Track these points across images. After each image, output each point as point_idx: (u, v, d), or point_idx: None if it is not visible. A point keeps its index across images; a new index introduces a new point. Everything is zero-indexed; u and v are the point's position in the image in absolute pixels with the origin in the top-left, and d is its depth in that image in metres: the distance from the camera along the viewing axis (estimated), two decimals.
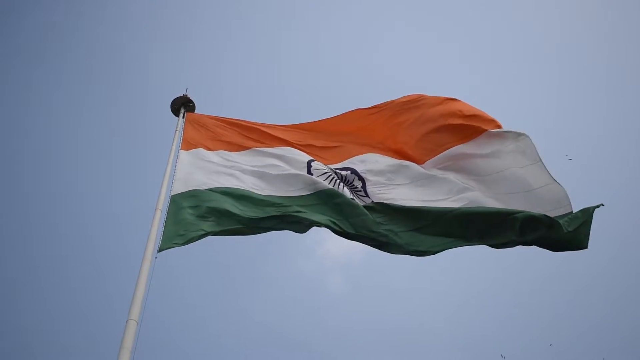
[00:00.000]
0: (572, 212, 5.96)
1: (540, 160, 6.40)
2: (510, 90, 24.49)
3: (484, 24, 27.76)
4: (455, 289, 20.03)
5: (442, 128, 7.30)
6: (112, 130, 23.60)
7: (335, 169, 7.34)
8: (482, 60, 27.24)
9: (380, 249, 6.47)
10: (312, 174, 7.10)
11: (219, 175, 7.00)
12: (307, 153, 7.60)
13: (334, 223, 6.38)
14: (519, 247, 6.29)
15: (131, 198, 19.72)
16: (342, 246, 22.64)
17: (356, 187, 7.13)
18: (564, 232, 5.75)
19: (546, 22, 26.80)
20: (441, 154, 7.13)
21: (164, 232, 5.88)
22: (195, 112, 8.68)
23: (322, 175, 7.13)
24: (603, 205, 5.98)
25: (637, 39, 27.15)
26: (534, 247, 6.24)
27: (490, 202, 6.35)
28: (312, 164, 7.32)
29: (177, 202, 6.36)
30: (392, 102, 8.07)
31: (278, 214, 6.44)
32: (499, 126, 6.94)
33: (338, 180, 7.11)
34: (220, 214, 6.25)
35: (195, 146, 7.55)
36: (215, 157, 7.42)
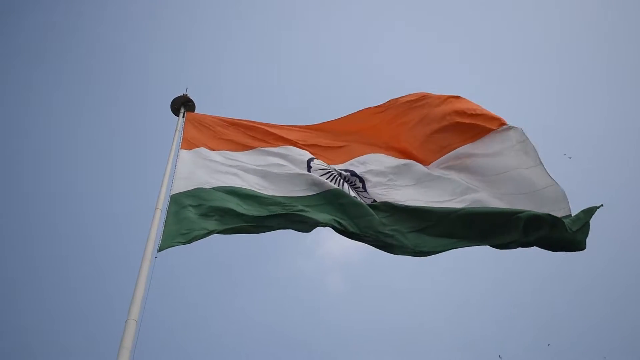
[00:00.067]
0: (570, 215, 5.98)
1: (541, 162, 6.42)
2: (510, 90, 24.49)
3: (484, 24, 27.80)
4: (455, 289, 20.04)
5: (447, 128, 7.31)
6: (112, 130, 23.64)
7: (340, 169, 7.34)
8: (482, 60, 27.28)
9: (384, 249, 6.46)
10: (311, 172, 7.10)
11: (222, 174, 6.99)
12: (310, 152, 7.59)
13: (338, 222, 6.39)
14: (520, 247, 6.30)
15: (131, 198, 19.75)
16: (342, 246, 22.63)
17: (358, 187, 7.13)
18: (567, 232, 5.76)
19: (546, 22, 26.84)
20: (447, 155, 7.13)
21: (165, 231, 5.87)
22: (195, 111, 8.69)
23: (322, 173, 7.13)
24: (602, 205, 6.00)
25: (637, 39, 27.17)
26: (534, 247, 6.24)
27: (495, 202, 6.34)
28: (313, 162, 7.32)
29: (179, 200, 6.34)
30: (396, 100, 8.06)
31: (282, 212, 6.44)
32: (504, 123, 6.95)
33: (340, 179, 7.11)
34: (224, 213, 6.25)
35: (197, 145, 7.53)
36: (218, 156, 7.41)
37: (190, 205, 6.27)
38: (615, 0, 26.57)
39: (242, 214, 6.28)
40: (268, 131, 7.98)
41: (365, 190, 7.07)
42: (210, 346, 18.17)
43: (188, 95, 8.72)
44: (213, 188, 6.65)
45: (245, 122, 8.22)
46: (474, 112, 7.24)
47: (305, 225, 6.49)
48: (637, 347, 17.21)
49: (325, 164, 7.39)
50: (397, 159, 7.45)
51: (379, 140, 7.82)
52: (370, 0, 27.30)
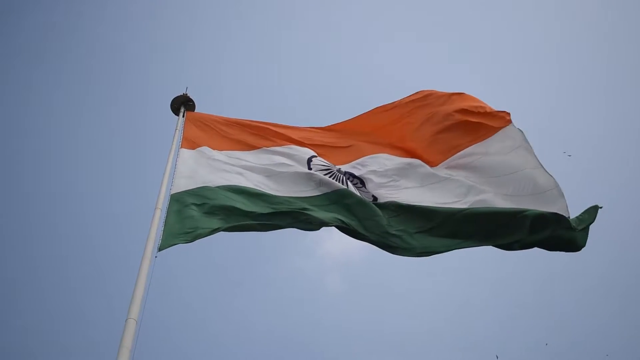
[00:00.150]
0: (569, 217, 5.98)
1: (541, 165, 6.42)
2: (510, 90, 24.45)
3: (484, 24, 27.79)
4: (456, 289, 20.00)
5: (453, 128, 7.33)
6: (112, 130, 23.62)
7: (345, 169, 7.33)
8: (482, 60, 27.29)
9: (388, 250, 6.44)
10: (311, 169, 7.09)
11: (226, 173, 6.97)
12: (315, 151, 7.57)
13: (344, 222, 6.38)
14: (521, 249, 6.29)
15: (131, 198, 19.73)
16: (341, 246, 22.57)
17: (357, 184, 7.12)
18: (572, 231, 5.77)
19: (546, 22, 26.85)
20: (454, 156, 7.13)
21: (166, 230, 5.84)
22: (195, 111, 8.66)
23: (322, 171, 7.12)
24: (602, 207, 6.00)
25: (637, 39, 27.19)
26: (535, 248, 6.24)
27: (501, 202, 6.32)
28: (313, 159, 7.31)
29: (181, 199, 6.31)
30: (401, 100, 8.08)
31: (288, 210, 6.43)
32: (509, 121, 6.95)
33: (342, 177, 7.10)
34: (230, 211, 6.23)
35: (199, 145, 7.50)
36: (222, 155, 7.38)
37: (193, 204, 6.24)
38: (615, 0, 26.63)
39: (248, 212, 6.27)
40: (273, 130, 7.95)
41: (364, 187, 7.06)
42: (209, 346, 18.19)
43: (188, 95, 8.71)
44: (218, 187, 6.63)
45: (249, 122, 8.19)
46: (479, 111, 7.25)
47: (311, 224, 6.46)
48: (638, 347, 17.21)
49: (327, 162, 7.38)
50: (402, 157, 7.44)
51: (385, 140, 7.82)
52: (370, 0, 27.34)
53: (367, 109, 8.30)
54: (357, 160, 7.55)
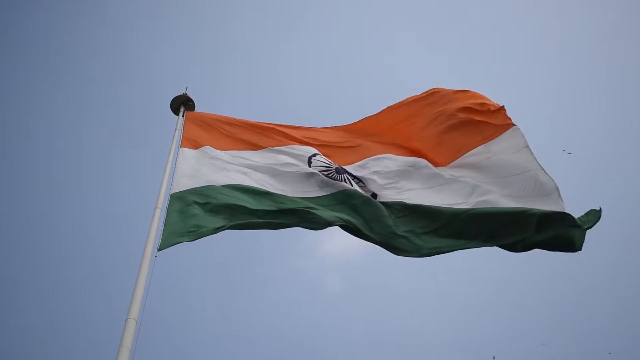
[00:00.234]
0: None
1: (542, 167, 6.41)
2: (510, 90, 24.40)
3: (483, 24, 27.79)
4: (458, 290, 19.96)
5: (459, 127, 7.33)
6: (112, 130, 23.62)
7: (350, 169, 7.30)
8: (482, 60, 27.29)
9: (392, 251, 6.40)
10: (311, 167, 7.08)
11: (230, 172, 6.95)
12: (320, 151, 7.55)
13: (349, 222, 6.37)
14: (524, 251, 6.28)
15: (131, 197, 19.74)
16: (341, 246, 22.57)
17: (360, 184, 7.11)
18: (578, 230, 5.76)
19: (546, 22, 26.84)
20: (461, 157, 7.11)
21: (167, 229, 5.82)
22: (195, 110, 8.65)
23: (322, 170, 7.11)
24: (601, 208, 6.01)
25: (637, 39, 27.20)
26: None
27: (506, 202, 6.29)
28: (314, 157, 7.30)
29: (183, 198, 6.29)
30: (409, 99, 8.09)
31: (293, 207, 6.43)
32: (512, 124, 6.94)
33: (344, 176, 7.08)
34: (234, 209, 6.23)
35: (201, 144, 7.47)
36: (225, 155, 7.35)
37: (196, 203, 6.22)
38: (615, 0, 26.64)
39: (254, 210, 6.26)
40: (278, 130, 7.93)
41: (366, 186, 7.05)
42: (209, 345, 18.18)
43: (188, 95, 8.70)
44: (223, 186, 6.61)
45: (249, 121, 8.16)
46: (483, 109, 7.25)
47: (316, 224, 6.43)
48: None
49: (328, 160, 7.36)
50: (407, 157, 7.43)
51: (392, 139, 7.81)
52: (370, 0, 27.35)
53: (368, 109, 8.34)
54: (362, 161, 7.54)
